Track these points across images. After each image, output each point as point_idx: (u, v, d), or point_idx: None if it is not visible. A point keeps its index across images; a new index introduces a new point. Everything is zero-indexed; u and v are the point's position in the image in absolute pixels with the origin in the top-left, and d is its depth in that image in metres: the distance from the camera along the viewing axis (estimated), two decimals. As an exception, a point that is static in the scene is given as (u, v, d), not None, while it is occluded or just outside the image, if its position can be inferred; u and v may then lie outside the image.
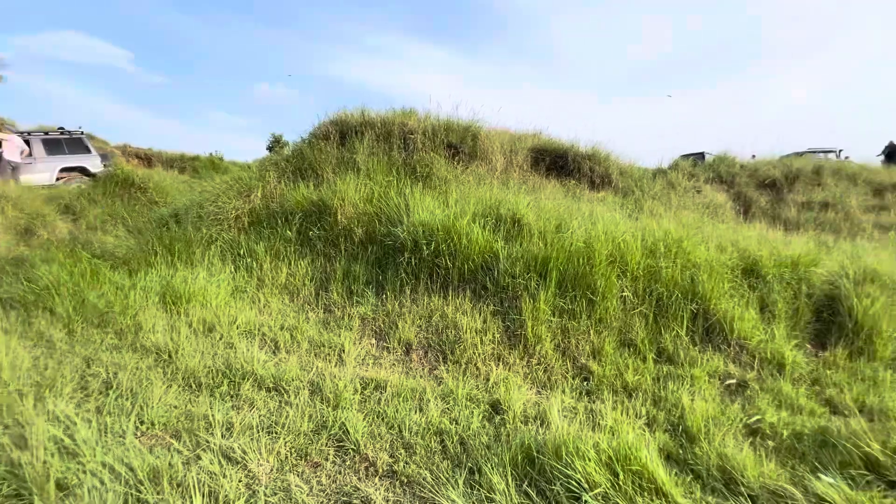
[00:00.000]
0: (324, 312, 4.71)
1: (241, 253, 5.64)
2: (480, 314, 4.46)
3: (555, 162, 9.35)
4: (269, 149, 32.10)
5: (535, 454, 2.54)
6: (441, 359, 4.02)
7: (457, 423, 3.00)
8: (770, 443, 3.02)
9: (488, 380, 3.68)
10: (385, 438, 2.83)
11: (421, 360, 4.06)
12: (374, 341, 4.23)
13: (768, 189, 10.40)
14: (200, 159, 23.75)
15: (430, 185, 7.08)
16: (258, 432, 2.79)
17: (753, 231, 7.19)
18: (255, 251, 5.64)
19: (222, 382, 3.31)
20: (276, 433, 2.81)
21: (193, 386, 3.29)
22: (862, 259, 5.74)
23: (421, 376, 3.73)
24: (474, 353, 4.00)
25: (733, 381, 3.92)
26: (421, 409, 3.16)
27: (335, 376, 3.49)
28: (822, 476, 2.54)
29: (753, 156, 14.32)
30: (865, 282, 5.08)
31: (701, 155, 14.99)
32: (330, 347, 3.99)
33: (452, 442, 2.82)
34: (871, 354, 4.35)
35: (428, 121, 8.58)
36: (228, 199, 6.64)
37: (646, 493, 2.32)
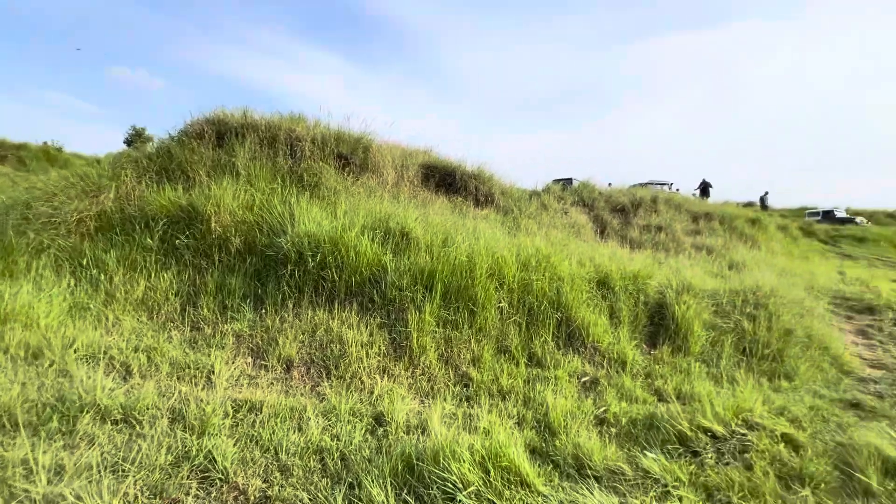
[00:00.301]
0: (191, 330, 4.25)
1: (85, 263, 4.82)
2: (367, 327, 4.46)
3: (444, 179, 9.77)
4: (128, 143, 27.85)
5: (414, 462, 2.63)
6: (325, 374, 3.92)
7: (338, 440, 2.96)
8: (613, 430, 3.56)
9: (373, 393, 3.69)
10: (259, 463, 2.67)
11: (303, 377, 3.90)
12: (250, 360, 3.95)
13: (619, 213, 12.22)
14: (29, 148, 19.61)
15: (319, 195, 6.88)
16: (100, 472, 2.42)
17: (607, 249, 8.38)
18: (104, 261, 4.86)
19: (51, 418, 2.79)
20: (125, 471, 2.46)
21: (8, 426, 2.71)
22: (682, 273, 7.08)
23: (302, 394, 3.59)
24: (359, 367, 3.98)
25: (587, 378, 4.52)
26: (300, 429, 3.04)
27: (202, 400, 3.18)
28: (647, 453, 3.08)
29: (610, 184, 16.70)
30: (684, 292, 6.27)
31: (570, 180, 16.98)
32: (197, 369, 3.62)
33: (333, 459, 2.77)
34: (686, 350, 5.38)
35: (318, 129, 8.34)
36: (68, 198, 5.62)
37: (513, 486, 2.56)
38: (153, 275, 4.83)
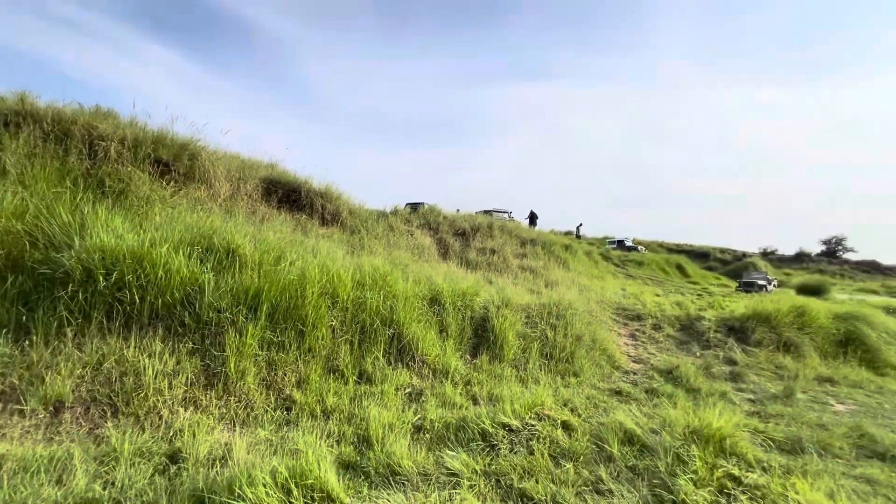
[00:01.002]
0: None
1: None
2: (173, 354, 3.97)
3: (288, 195, 9.37)
4: None
5: (206, 496, 2.43)
6: (110, 413, 3.35)
7: (113, 486, 2.56)
8: (427, 435, 3.84)
9: (171, 428, 3.29)
10: (-10, 531, 2.14)
11: (78, 419, 3.27)
12: (-3, 405, 3.15)
13: (461, 236, 13.33)
14: None
15: (125, 204, 5.93)
16: None
17: (445, 269, 9.05)
18: None
19: None
20: None
21: None
22: (505, 291, 8.07)
23: (73, 440, 3.00)
24: (158, 401, 3.51)
25: (411, 390, 4.78)
26: (60, 481, 2.54)
27: None
28: (449, 452, 3.41)
29: (458, 210, 18.18)
30: (504, 306, 7.15)
31: (420, 204, 17.83)
32: None
33: (104, 509, 2.39)
34: (502, 358, 6.12)
35: (132, 128, 7.22)
36: None
37: (317, 502, 2.57)
38: None
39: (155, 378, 3.67)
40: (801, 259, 45.55)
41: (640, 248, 34.49)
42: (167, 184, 6.96)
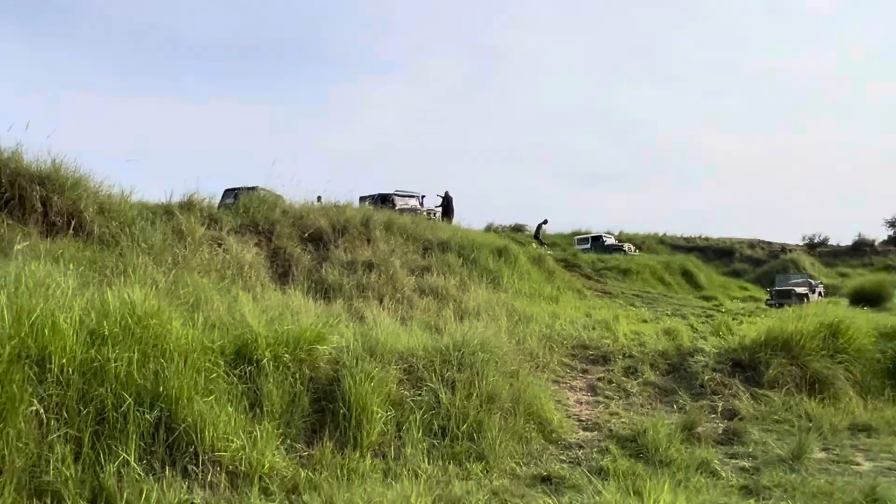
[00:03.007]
0: None
1: None
2: None
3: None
4: None
5: None
6: None
7: None
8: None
9: None
10: None
11: None
12: None
13: (314, 243, 13.47)
14: None
15: None
16: None
17: (275, 299, 9.15)
18: None
19: None
20: None
21: None
22: (375, 331, 8.37)
23: None
24: None
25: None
26: None
27: None
28: None
29: (319, 198, 18.25)
30: (368, 357, 7.43)
31: (252, 189, 17.43)
32: None
33: None
34: (357, 442, 6.38)
35: None
36: None
37: None
38: None
39: None
40: (860, 250, 51.50)
41: (627, 247, 36.99)
42: None
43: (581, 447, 7.59)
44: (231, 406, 5.96)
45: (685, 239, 52.80)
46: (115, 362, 5.49)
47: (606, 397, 9.79)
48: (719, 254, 50.43)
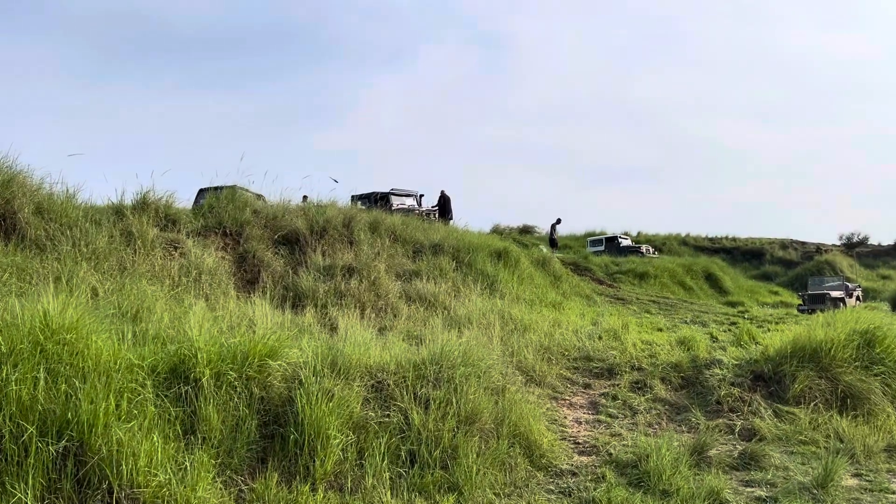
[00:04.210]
0: None
1: None
2: None
3: None
4: None
5: None
6: None
7: None
8: None
9: None
10: None
11: None
12: None
13: (288, 246, 13.07)
14: None
15: None
16: None
17: (230, 308, 8.72)
18: None
19: None
20: None
21: None
22: (341, 343, 7.90)
23: None
24: None
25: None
26: None
27: None
28: None
29: (305, 197, 17.87)
30: (330, 374, 6.96)
31: (219, 191, 17.10)
32: None
33: None
34: (309, 472, 5.90)
35: None
36: None
37: None
38: None
39: None
40: (902, 250, 50.92)
41: (644, 249, 36.53)
42: None
43: (574, 474, 7.10)
44: (158, 433, 5.50)
45: (710, 239, 52.32)
46: (17, 385, 5.05)
47: (609, 416, 9.31)
48: (748, 255, 49.93)
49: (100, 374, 5.56)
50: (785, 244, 52.64)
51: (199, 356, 6.31)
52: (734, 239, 52.88)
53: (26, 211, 9.20)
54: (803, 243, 52.86)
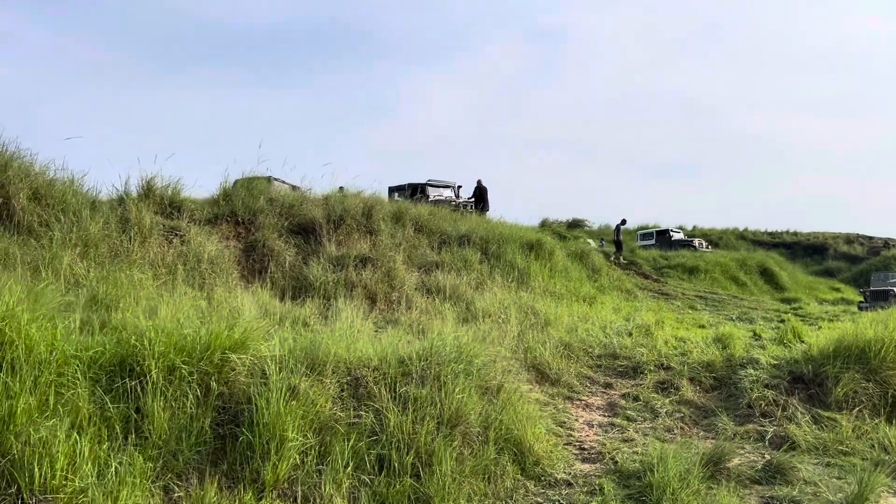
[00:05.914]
0: None
1: None
2: None
3: None
4: None
5: None
6: None
7: None
8: None
9: None
10: None
11: None
12: None
13: (302, 235, 12.63)
14: None
15: None
16: None
17: (218, 297, 8.23)
18: None
19: None
20: None
21: None
22: (325, 334, 7.29)
23: None
24: None
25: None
26: None
27: None
28: None
29: (341, 188, 17.44)
30: (304, 368, 6.34)
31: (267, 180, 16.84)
32: None
33: None
34: (259, 478, 5.30)
35: None
36: None
37: None
38: None
39: None
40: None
41: (697, 243, 35.11)
42: None
43: (569, 484, 6.33)
44: (87, 432, 4.97)
45: (769, 234, 50.15)
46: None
47: (627, 419, 8.46)
48: (810, 250, 47.66)
49: (32, 366, 5.10)
50: (850, 238, 50.12)
51: (150, 348, 5.79)
52: (795, 233, 50.61)
53: (21, 196, 8.92)
54: (870, 238, 50.24)
